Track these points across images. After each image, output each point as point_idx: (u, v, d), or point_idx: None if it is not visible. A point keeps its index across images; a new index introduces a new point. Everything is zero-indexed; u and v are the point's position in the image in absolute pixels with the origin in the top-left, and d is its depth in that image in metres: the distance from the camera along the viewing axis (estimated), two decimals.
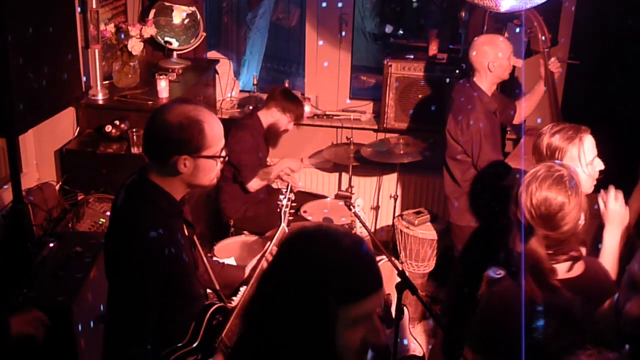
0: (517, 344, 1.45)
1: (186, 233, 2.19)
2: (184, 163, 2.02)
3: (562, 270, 2.01)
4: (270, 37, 5.95)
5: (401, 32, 6.04)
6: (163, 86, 3.90)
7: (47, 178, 3.54)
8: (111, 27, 3.85)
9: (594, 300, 1.84)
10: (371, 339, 1.35)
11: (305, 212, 4.11)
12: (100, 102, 3.82)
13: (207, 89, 4.61)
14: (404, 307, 3.50)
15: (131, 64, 3.97)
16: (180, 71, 4.33)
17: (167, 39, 4.46)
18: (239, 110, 4.81)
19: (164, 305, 2.02)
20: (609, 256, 2.27)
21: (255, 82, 4.90)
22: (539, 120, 4.17)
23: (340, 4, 4.63)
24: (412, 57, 4.51)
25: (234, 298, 2.35)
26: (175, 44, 4.48)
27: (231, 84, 4.91)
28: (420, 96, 4.50)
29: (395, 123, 4.58)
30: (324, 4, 4.62)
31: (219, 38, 6.02)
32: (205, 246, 3.69)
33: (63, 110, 3.39)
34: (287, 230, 2.54)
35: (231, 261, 3.18)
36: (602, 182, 2.45)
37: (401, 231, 4.11)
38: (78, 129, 3.79)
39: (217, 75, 4.75)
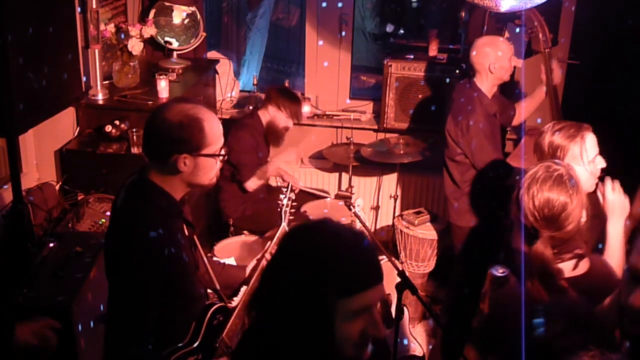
0: (520, 344, 1.46)
1: (186, 233, 2.19)
2: (184, 162, 2.02)
3: (568, 268, 2.01)
4: (270, 37, 5.95)
5: (402, 31, 6.05)
6: (163, 86, 3.90)
7: (47, 178, 3.53)
8: (111, 27, 3.85)
9: (599, 297, 1.84)
10: (370, 332, 1.36)
11: (305, 212, 4.11)
12: (100, 102, 3.82)
13: (207, 89, 4.61)
14: (404, 307, 3.50)
15: (131, 64, 3.97)
16: (180, 71, 4.33)
17: (167, 39, 4.46)
18: (239, 110, 4.80)
19: (164, 305, 2.02)
20: (614, 248, 2.26)
21: (255, 82, 4.89)
22: (539, 120, 4.16)
23: (340, 4, 4.62)
24: (412, 57, 4.51)
25: (234, 298, 2.35)
26: (175, 44, 4.48)
27: (231, 84, 4.90)
28: (420, 96, 4.50)
29: (395, 123, 4.58)
30: (324, 4, 4.62)
31: (219, 38, 6.02)
32: (205, 246, 3.69)
33: (63, 110, 3.38)
34: (287, 230, 2.54)
35: (231, 261, 3.18)
36: (603, 181, 2.45)
37: (401, 231, 4.11)
38: (78, 129, 3.79)
39: (217, 75, 4.75)
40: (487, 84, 3.55)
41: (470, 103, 3.50)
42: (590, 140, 2.44)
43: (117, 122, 3.67)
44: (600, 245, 2.29)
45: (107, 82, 3.94)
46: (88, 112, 3.81)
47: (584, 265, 2.04)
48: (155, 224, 2.00)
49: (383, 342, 1.68)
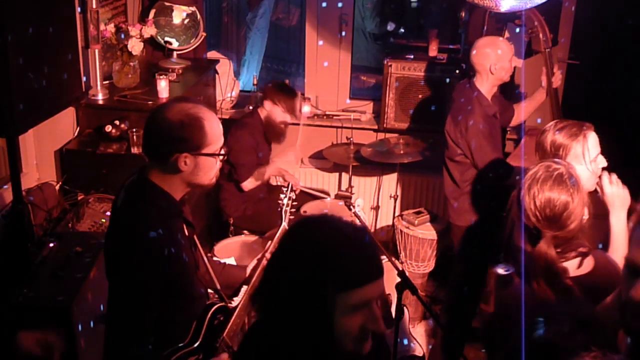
0: (525, 343, 1.46)
1: (186, 233, 2.19)
2: (184, 161, 2.02)
3: (572, 267, 2.01)
4: (270, 37, 5.95)
5: (402, 30, 6.05)
6: (163, 86, 3.90)
7: (47, 178, 3.53)
8: (111, 27, 3.85)
9: (605, 294, 1.83)
10: (370, 327, 1.37)
11: (305, 212, 4.11)
12: (100, 102, 3.82)
13: (207, 89, 4.61)
14: (404, 307, 3.50)
15: (131, 64, 3.97)
16: (180, 71, 4.33)
17: (167, 39, 4.46)
18: (239, 110, 4.80)
19: (164, 305, 2.02)
20: (619, 240, 2.26)
21: (255, 82, 4.89)
22: (539, 120, 4.16)
23: (340, 4, 4.62)
24: (412, 57, 4.51)
25: (234, 298, 2.35)
26: (175, 44, 4.48)
27: (231, 84, 4.90)
28: (420, 96, 4.50)
29: (395, 123, 4.58)
30: (324, 4, 4.62)
31: (219, 38, 6.03)
32: (205, 246, 3.69)
33: (63, 110, 3.38)
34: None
35: (231, 261, 3.18)
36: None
37: (401, 231, 4.11)
38: (78, 129, 3.79)
39: (217, 75, 4.75)
40: (487, 84, 3.55)
41: (469, 103, 3.51)
42: (592, 140, 2.44)
43: (117, 122, 3.67)
44: (600, 246, 2.29)
45: (107, 82, 3.94)
46: (88, 112, 3.81)
47: (588, 263, 2.03)
48: (155, 224, 2.00)
49: (384, 341, 1.68)
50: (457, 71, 4.39)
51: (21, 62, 2.58)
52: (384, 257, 2.63)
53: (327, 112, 4.79)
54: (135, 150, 3.59)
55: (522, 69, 3.86)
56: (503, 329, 2.03)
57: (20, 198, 2.76)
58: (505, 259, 2.18)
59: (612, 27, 3.94)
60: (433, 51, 4.59)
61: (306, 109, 4.75)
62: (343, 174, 4.77)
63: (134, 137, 3.57)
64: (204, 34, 4.56)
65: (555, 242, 1.98)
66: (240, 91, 5.00)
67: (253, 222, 4.11)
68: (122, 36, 3.86)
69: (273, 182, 4.42)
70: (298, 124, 4.64)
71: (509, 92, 4.13)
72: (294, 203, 2.73)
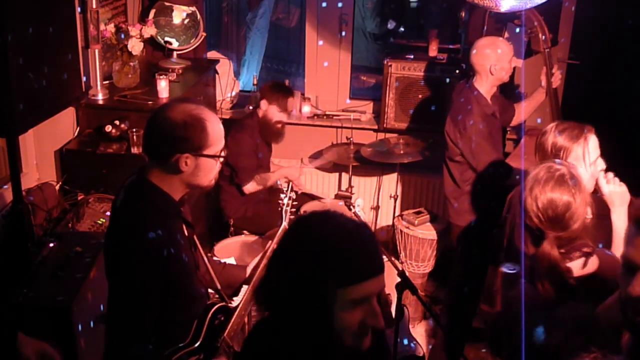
0: (528, 344, 1.46)
1: (186, 233, 2.19)
2: (185, 161, 2.02)
3: (577, 267, 2.01)
4: (270, 37, 5.95)
5: (402, 29, 6.05)
6: (163, 86, 3.90)
7: (47, 178, 3.53)
8: (111, 27, 3.84)
9: (611, 294, 1.83)
10: (370, 323, 1.37)
11: (305, 212, 4.10)
12: (100, 102, 3.82)
13: (207, 89, 4.61)
14: (404, 307, 3.50)
15: (131, 64, 3.97)
16: (180, 71, 4.33)
17: (167, 39, 4.46)
18: (239, 110, 4.80)
19: (164, 306, 2.02)
20: (621, 237, 2.26)
21: (255, 82, 4.89)
22: (539, 120, 4.17)
23: (340, 4, 4.62)
24: (412, 57, 4.51)
25: (235, 298, 2.36)
26: (175, 44, 4.48)
27: (231, 84, 4.90)
28: (420, 96, 4.50)
29: (395, 123, 4.58)
30: (324, 4, 4.62)
31: (219, 38, 6.03)
32: (205, 246, 3.69)
33: (63, 110, 3.38)
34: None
35: (231, 261, 3.18)
36: None
37: (401, 231, 4.11)
38: (78, 129, 3.79)
39: (217, 75, 4.75)
40: (486, 84, 3.55)
41: (468, 103, 3.51)
42: (592, 142, 2.45)
43: (117, 122, 3.67)
44: (600, 245, 2.29)
45: (107, 82, 3.93)
46: (88, 112, 3.81)
47: (593, 263, 2.04)
48: (155, 224, 2.00)
49: (384, 338, 1.68)
50: (457, 71, 4.39)
51: (21, 62, 2.58)
52: (384, 257, 2.63)
53: (327, 112, 4.79)
54: (135, 150, 3.59)
55: (522, 69, 3.86)
56: (508, 329, 2.03)
57: (20, 198, 2.76)
58: (506, 260, 2.18)
59: (612, 27, 3.94)
60: (433, 51, 4.59)
61: (306, 109, 4.75)
62: (343, 174, 4.77)
63: (134, 137, 3.57)
64: (204, 34, 4.56)
65: (559, 242, 1.99)
66: (240, 91, 5.00)
67: (253, 223, 4.10)
68: (122, 36, 3.86)
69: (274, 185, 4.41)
70: (298, 124, 4.65)
71: (509, 92, 4.13)
72: (294, 203, 2.73)
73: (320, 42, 4.72)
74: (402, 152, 4.20)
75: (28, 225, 2.96)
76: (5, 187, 3.21)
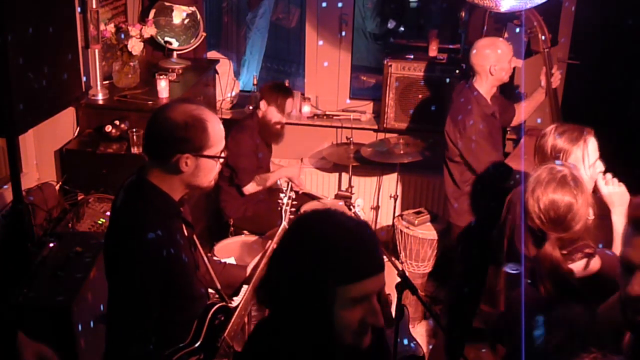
0: (526, 345, 1.47)
1: (185, 233, 2.19)
2: (185, 162, 2.02)
3: (579, 269, 2.01)
4: (270, 37, 5.95)
5: (402, 29, 6.05)
6: (163, 86, 3.90)
7: (47, 178, 3.53)
8: (111, 27, 3.84)
9: (614, 294, 1.83)
10: (370, 321, 1.38)
11: (305, 211, 4.10)
12: (100, 102, 3.82)
13: (207, 89, 4.61)
14: (404, 307, 3.50)
15: (131, 64, 3.97)
16: (180, 71, 4.33)
17: (167, 39, 4.46)
18: (239, 110, 4.80)
19: (164, 306, 2.02)
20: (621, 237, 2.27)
21: (255, 82, 4.89)
22: (539, 120, 4.17)
23: (340, 4, 4.62)
24: (412, 57, 4.51)
25: (234, 298, 2.35)
26: (175, 44, 4.48)
27: (231, 84, 4.90)
28: (420, 96, 4.50)
29: (395, 123, 4.58)
30: (324, 4, 4.62)
31: (219, 38, 6.03)
32: (205, 246, 3.69)
33: (63, 110, 3.38)
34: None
35: (231, 261, 3.18)
36: None
37: (401, 231, 4.11)
38: (78, 129, 3.79)
39: (217, 75, 4.75)
40: (486, 85, 3.55)
41: (468, 103, 3.51)
42: (592, 145, 2.46)
43: (117, 122, 3.67)
44: (600, 245, 2.30)
45: (107, 82, 3.93)
46: (88, 112, 3.81)
47: (595, 264, 2.04)
48: (154, 225, 2.00)
49: (384, 336, 1.68)
50: (457, 71, 4.40)
51: (21, 62, 2.58)
52: (384, 257, 2.63)
53: (327, 112, 4.79)
54: (135, 150, 3.59)
55: (521, 69, 3.86)
56: (508, 329, 2.04)
57: (20, 198, 2.76)
58: (507, 260, 2.18)
59: (612, 27, 3.94)
60: (433, 51, 4.59)
61: (306, 109, 4.75)
62: (343, 174, 4.77)
63: (134, 137, 3.57)
64: (204, 34, 4.56)
65: (561, 243, 1.99)
66: (240, 91, 5.01)
67: (253, 223, 4.10)
68: (122, 36, 3.86)
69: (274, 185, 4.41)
70: (298, 124, 4.65)
71: (509, 92, 4.13)
72: (294, 202, 2.73)
73: (320, 42, 4.72)
74: (402, 152, 4.20)
75: (28, 225, 2.96)
76: (5, 187, 3.21)
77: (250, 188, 4.03)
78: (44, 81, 2.78)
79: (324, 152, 4.52)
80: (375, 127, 4.69)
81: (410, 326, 3.80)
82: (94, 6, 3.65)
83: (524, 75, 4.04)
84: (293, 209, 2.69)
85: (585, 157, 2.42)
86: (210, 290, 2.31)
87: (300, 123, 4.70)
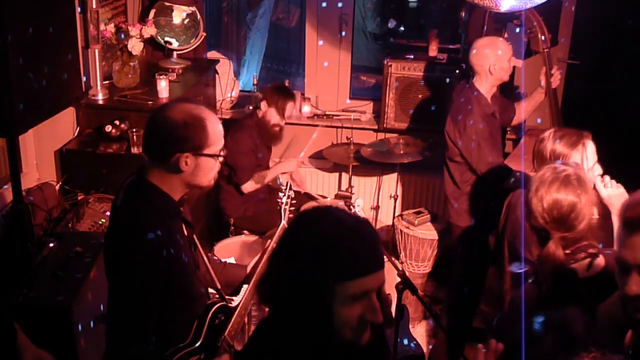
0: (518, 345, 1.47)
1: (185, 233, 2.19)
2: (185, 161, 2.02)
3: (582, 269, 2.01)
4: (270, 37, 5.96)
5: (402, 28, 6.05)
6: (163, 86, 3.90)
7: (47, 178, 3.53)
8: (111, 27, 3.85)
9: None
10: (369, 318, 1.38)
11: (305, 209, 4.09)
12: (100, 102, 3.82)
13: (207, 89, 4.61)
14: (404, 307, 3.50)
15: (131, 64, 3.97)
16: (180, 71, 4.33)
17: (167, 39, 4.46)
18: (239, 110, 4.80)
19: (164, 306, 2.03)
20: None
21: (255, 82, 4.89)
22: (538, 120, 4.17)
23: (340, 4, 4.63)
24: (412, 57, 4.51)
25: (234, 298, 2.35)
26: (175, 44, 4.48)
27: (231, 84, 4.90)
28: (420, 96, 4.50)
29: (395, 123, 4.58)
30: (324, 4, 4.62)
31: (219, 38, 6.03)
32: (205, 246, 3.69)
33: (63, 110, 3.38)
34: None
35: (231, 261, 3.18)
36: None
37: (401, 231, 4.11)
38: (78, 129, 3.79)
39: (217, 75, 4.75)
40: (486, 84, 3.55)
41: (469, 103, 3.51)
42: (590, 148, 2.48)
43: (117, 122, 3.67)
44: (600, 245, 2.30)
45: (107, 82, 3.94)
46: (88, 112, 3.81)
47: (598, 264, 2.04)
48: (154, 225, 2.00)
49: (383, 333, 1.68)
50: (457, 71, 4.40)
51: (21, 62, 2.58)
52: (384, 257, 2.63)
53: (327, 112, 4.79)
54: (135, 150, 3.59)
55: (521, 69, 3.87)
56: (509, 328, 2.04)
57: (20, 198, 2.76)
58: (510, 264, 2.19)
59: (612, 27, 3.94)
60: (433, 51, 4.59)
61: (306, 109, 4.75)
62: (343, 174, 4.77)
63: (134, 137, 3.57)
64: (204, 34, 4.56)
65: (564, 243, 1.99)
66: (240, 91, 5.01)
67: (253, 222, 4.10)
68: (122, 36, 3.86)
69: (274, 184, 4.41)
70: (298, 124, 4.65)
71: (509, 92, 4.13)
72: (293, 202, 2.73)
73: (320, 42, 4.72)
74: (402, 152, 4.20)
75: (28, 225, 2.96)
76: (5, 187, 3.21)
77: (248, 186, 4.03)
78: (44, 81, 2.78)
79: (324, 152, 4.52)
80: (375, 127, 4.69)
81: (410, 326, 3.80)
82: (94, 6, 3.66)
83: (524, 76, 4.04)
84: (292, 208, 2.69)
85: (584, 161, 2.44)
86: (210, 290, 2.31)
87: (300, 123, 4.70)
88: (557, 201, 1.99)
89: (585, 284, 1.97)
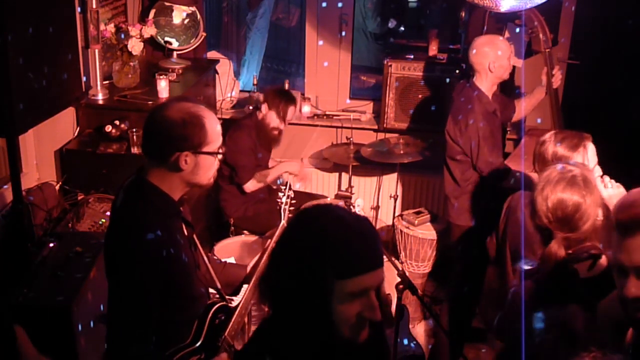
0: (517, 343, 1.47)
1: (185, 233, 2.19)
2: (185, 160, 2.02)
3: (583, 269, 2.01)
4: (270, 37, 5.96)
5: (402, 28, 6.06)
6: (163, 86, 3.90)
7: (47, 178, 3.53)
8: (111, 27, 3.85)
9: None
10: (367, 316, 1.38)
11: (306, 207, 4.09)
12: (100, 102, 3.82)
13: (207, 89, 4.61)
14: (404, 307, 3.50)
15: (131, 64, 3.97)
16: (180, 71, 4.33)
17: (167, 39, 4.46)
18: (239, 110, 4.80)
19: (164, 306, 2.02)
20: None
21: (255, 82, 4.90)
22: (539, 120, 4.17)
23: (340, 4, 4.63)
24: (412, 57, 4.51)
25: (234, 298, 2.35)
26: (175, 44, 4.48)
27: (231, 84, 4.91)
28: (420, 96, 4.50)
29: (395, 123, 4.58)
30: (324, 4, 4.62)
31: (219, 38, 6.04)
32: (205, 246, 3.69)
33: (63, 110, 3.38)
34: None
35: (231, 261, 3.18)
36: None
37: (401, 231, 4.11)
38: (78, 129, 3.79)
39: (217, 75, 4.75)
40: (486, 83, 3.55)
41: (469, 102, 3.51)
42: (591, 150, 2.50)
43: (117, 122, 3.67)
44: (600, 245, 2.30)
45: (107, 82, 3.94)
46: (88, 112, 3.81)
47: (601, 265, 2.04)
48: (154, 225, 2.00)
49: (382, 331, 1.69)
50: (457, 71, 4.40)
51: (21, 62, 2.58)
52: (384, 257, 2.63)
53: (327, 112, 4.79)
54: (135, 150, 3.59)
55: (522, 69, 3.86)
56: (509, 326, 2.04)
57: (20, 198, 2.76)
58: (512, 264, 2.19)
59: (612, 27, 3.94)
60: (433, 51, 4.59)
61: (306, 109, 4.75)
62: (343, 174, 4.77)
63: (134, 137, 3.58)
64: (204, 34, 4.56)
65: (567, 243, 1.99)
66: (240, 91, 5.01)
67: (253, 222, 4.10)
68: (122, 36, 3.86)
69: (274, 184, 4.41)
70: (298, 124, 4.65)
71: (509, 91, 4.13)
72: (293, 201, 2.73)
73: (320, 42, 4.72)
74: (402, 152, 4.20)
75: (28, 225, 2.96)
76: (5, 187, 3.21)
77: (250, 185, 4.02)
78: (44, 81, 2.78)
79: (324, 152, 4.52)
80: (375, 127, 4.69)
81: (410, 326, 3.80)
82: (94, 6, 3.66)
83: (525, 75, 4.04)
84: (292, 208, 2.69)
85: (585, 163, 2.45)
86: (210, 290, 2.31)
87: (300, 123, 4.70)
88: (562, 201, 1.99)
89: (587, 284, 1.97)
